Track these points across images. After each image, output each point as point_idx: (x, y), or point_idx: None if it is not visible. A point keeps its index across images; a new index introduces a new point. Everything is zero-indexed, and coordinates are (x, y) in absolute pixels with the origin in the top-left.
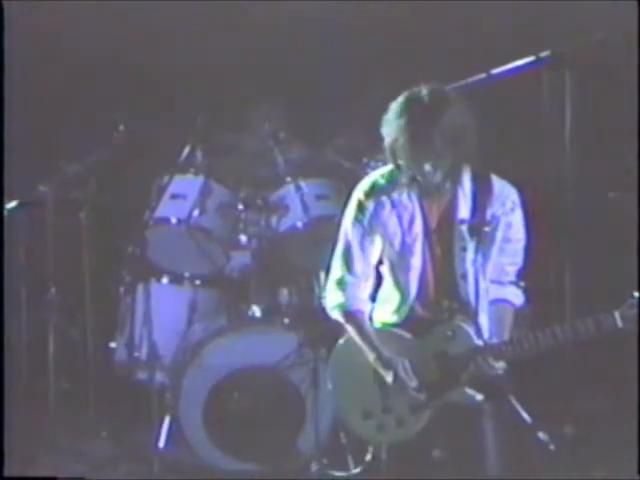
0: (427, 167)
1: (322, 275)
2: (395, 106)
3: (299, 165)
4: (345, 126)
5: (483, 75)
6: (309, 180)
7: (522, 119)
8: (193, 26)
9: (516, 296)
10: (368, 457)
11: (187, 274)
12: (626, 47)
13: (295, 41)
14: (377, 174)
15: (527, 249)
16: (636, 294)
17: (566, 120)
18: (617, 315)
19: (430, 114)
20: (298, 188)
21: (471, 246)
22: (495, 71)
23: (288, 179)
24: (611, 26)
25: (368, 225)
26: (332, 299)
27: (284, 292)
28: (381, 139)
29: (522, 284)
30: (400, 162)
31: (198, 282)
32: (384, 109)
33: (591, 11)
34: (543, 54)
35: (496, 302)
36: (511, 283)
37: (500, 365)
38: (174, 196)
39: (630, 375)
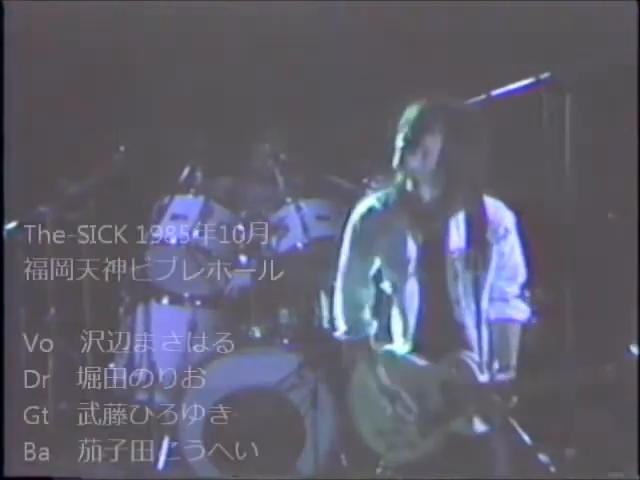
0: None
1: (322, 296)
2: (409, 112)
3: (299, 186)
4: (345, 147)
5: (483, 96)
6: (309, 201)
7: (522, 140)
8: (194, 46)
9: (520, 311)
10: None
11: (187, 294)
12: (625, 69)
13: (295, 61)
14: (373, 198)
15: (527, 266)
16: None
17: (566, 141)
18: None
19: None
20: (298, 209)
21: (466, 271)
22: (495, 92)
23: (288, 200)
24: (611, 46)
25: (366, 249)
26: (337, 324)
27: (284, 313)
28: (381, 160)
29: (526, 295)
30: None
31: (198, 302)
32: (384, 130)
33: (591, 31)
34: (543, 76)
35: (498, 321)
36: (515, 297)
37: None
38: (174, 216)
39: (631, 396)
